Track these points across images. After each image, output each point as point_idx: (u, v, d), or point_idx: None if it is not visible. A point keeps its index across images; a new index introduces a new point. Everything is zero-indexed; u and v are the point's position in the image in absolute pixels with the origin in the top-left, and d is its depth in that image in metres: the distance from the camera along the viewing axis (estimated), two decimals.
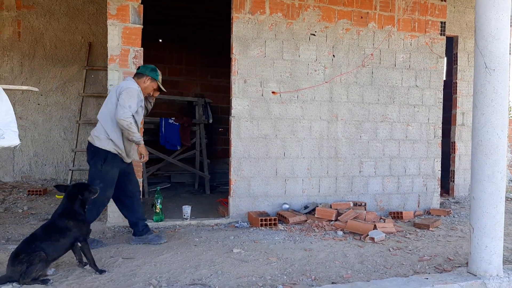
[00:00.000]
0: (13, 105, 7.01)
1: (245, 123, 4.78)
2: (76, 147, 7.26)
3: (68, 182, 7.10)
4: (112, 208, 4.38)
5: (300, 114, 4.99)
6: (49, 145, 7.43)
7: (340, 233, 4.23)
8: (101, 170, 3.58)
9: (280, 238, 4.03)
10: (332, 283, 2.90)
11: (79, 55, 7.45)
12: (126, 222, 4.38)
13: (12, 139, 2.99)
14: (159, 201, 4.54)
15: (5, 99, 3.04)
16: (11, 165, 7.24)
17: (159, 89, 3.95)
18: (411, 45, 5.39)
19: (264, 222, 4.44)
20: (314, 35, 5.02)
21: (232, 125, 4.76)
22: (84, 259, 3.07)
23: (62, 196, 5.78)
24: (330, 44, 5.09)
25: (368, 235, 4.02)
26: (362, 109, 5.24)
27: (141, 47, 4.50)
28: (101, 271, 3.00)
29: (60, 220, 2.94)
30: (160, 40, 8.29)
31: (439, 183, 5.58)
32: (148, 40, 8.21)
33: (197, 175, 6.99)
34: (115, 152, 3.64)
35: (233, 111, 4.75)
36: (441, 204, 5.80)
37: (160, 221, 4.54)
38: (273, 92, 4.87)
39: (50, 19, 7.34)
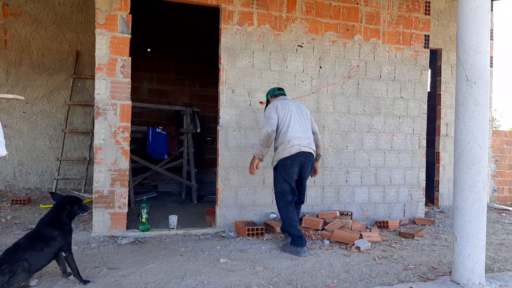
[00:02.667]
0: None
1: (232, 132, 4.80)
2: (61, 156, 7.20)
3: (53, 191, 7.03)
4: (97, 217, 4.35)
5: None
6: (34, 153, 7.34)
7: (326, 242, 4.26)
8: None
9: (266, 248, 4.04)
10: None
11: (66, 64, 7.42)
12: (111, 232, 4.37)
13: None
14: (145, 210, 4.51)
15: None
16: None
17: None
18: (396, 57, 5.50)
19: (251, 232, 4.45)
20: (301, 46, 5.09)
21: (219, 134, 4.78)
22: (68, 270, 3.04)
23: (46, 206, 5.78)
24: (317, 56, 5.16)
25: (354, 244, 4.05)
26: (348, 119, 5.31)
27: (129, 56, 4.49)
28: (86, 282, 2.97)
29: (45, 229, 2.90)
30: (149, 50, 8.29)
31: (424, 192, 5.67)
32: (136, 49, 8.27)
33: (184, 185, 6.96)
34: None
35: (220, 121, 4.77)
36: (426, 213, 5.88)
37: (146, 230, 4.51)
38: (261, 102, 4.91)
39: (38, 27, 7.31)
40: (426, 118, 5.65)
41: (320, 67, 5.18)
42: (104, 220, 4.38)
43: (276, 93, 4.33)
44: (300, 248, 3.84)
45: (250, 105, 4.87)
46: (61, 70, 7.46)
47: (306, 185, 4.26)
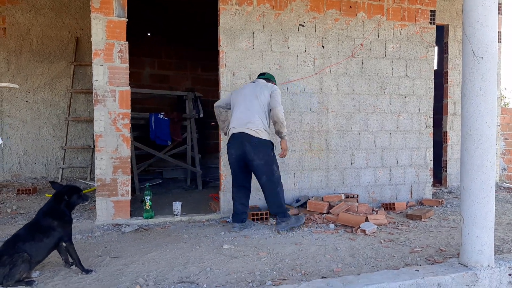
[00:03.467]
0: (1, 103, 7.02)
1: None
2: (65, 144, 7.18)
3: (59, 180, 7.04)
4: (100, 206, 4.33)
5: (290, 107, 4.93)
6: (38, 143, 7.32)
7: (331, 226, 4.20)
8: (273, 157, 4.05)
9: (271, 233, 3.99)
10: (322, 277, 2.86)
11: (67, 51, 7.34)
12: (115, 220, 4.35)
13: None
14: (148, 197, 4.47)
15: None
16: (0, 164, 7.14)
17: None
18: (401, 34, 5.34)
19: (255, 217, 4.40)
20: (303, 25, 4.95)
21: None
22: (71, 259, 3.02)
23: (51, 195, 5.78)
24: (319, 35, 5.02)
25: (359, 227, 3.99)
26: (353, 100, 5.19)
27: (126, 40, 4.40)
28: (88, 271, 2.95)
29: (44, 220, 2.87)
30: (149, 34, 8.17)
31: (431, 173, 5.56)
32: (136, 34, 8.14)
33: (189, 171, 6.92)
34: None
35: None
36: (434, 194, 5.79)
37: (150, 218, 4.49)
38: None
39: (36, 14, 7.21)
40: (432, 97, 5.50)
41: (323, 46, 5.04)
42: (108, 208, 4.36)
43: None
44: (232, 224, 4.17)
45: None
46: (62, 58, 7.38)
47: (266, 169, 4.00)
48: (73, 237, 3.81)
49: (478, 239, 2.92)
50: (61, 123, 7.36)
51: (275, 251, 3.44)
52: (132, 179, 6.24)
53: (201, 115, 6.78)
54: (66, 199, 2.96)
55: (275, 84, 4.37)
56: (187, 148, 6.79)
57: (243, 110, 4.06)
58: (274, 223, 4.28)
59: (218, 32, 4.70)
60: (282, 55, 4.88)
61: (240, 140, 3.99)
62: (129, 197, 4.44)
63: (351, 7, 5.12)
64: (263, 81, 4.26)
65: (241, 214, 4.15)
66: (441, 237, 3.86)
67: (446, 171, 6.46)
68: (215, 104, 4.38)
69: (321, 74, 5.04)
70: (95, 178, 4.36)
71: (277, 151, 4.21)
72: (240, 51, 4.72)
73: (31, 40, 7.21)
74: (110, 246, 3.60)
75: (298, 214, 4.54)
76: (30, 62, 7.22)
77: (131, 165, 6.22)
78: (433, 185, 6.05)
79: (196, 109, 6.73)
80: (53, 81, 7.36)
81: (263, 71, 4.76)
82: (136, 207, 4.89)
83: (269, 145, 4.04)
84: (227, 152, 4.18)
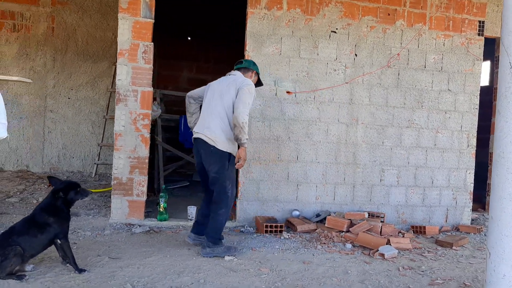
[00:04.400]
0: (45, 98, 7.33)
1: (256, 123, 4.55)
2: (102, 141, 7.35)
3: (93, 175, 7.22)
4: (115, 204, 4.32)
5: (316, 116, 4.69)
6: (77, 138, 7.57)
7: (348, 246, 3.90)
8: (228, 171, 3.46)
9: (280, 247, 3.77)
10: None
11: (110, 52, 7.54)
12: (128, 220, 4.32)
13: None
14: (163, 199, 4.41)
15: None
16: (41, 156, 7.44)
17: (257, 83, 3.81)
18: (444, 45, 4.93)
19: (269, 229, 4.19)
20: (335, 32, 4.71)
21: None
22: None
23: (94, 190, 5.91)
24: (352, 43, 4.75)
25: (378, 250, 3.67)
26: (386, 113, 4.85)
27: (152, 41, 4.39)
28: (81, 270, 2.89)
29: (40, 215, 2.86)
30: (189, 38, 8.24)
31: (471, 197, 5.07)
32: (176, 38, 8.27)
33: None
34: (232, 152, 3.50)
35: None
36: (474, 220, 5.27)
37: (164, 220, 4.42)
38: (287, 92, 4.61)
39: (83, 15, 7.48)
40: (477, 114, 5.03)
41: (356, 55, 4.76)
42: (122, 207, 4.34)
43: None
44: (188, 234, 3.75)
45: (276, 94, 4.59)
46: (104, 58, 7.60)
47: (219, 184, 3.45)
48: (83, 233, 3.87)
49: (505, 278, 2.54)
50: (100, 121, 7.56)
51: (279, 268, 3.22)
52: (158, 180, 6.27)
53: None
54: (62, 196, 2.92)
55: (256, 74, 3.79)
56: None
57: (205, 111, 3.57)
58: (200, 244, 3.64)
59: (245, 36, 4.57)
60: (310, 62, 4.66)
61: (197, 146, 3.55)
62: (144, 198, 4.40)
63: (389, 15, 4.80)
64: (239, 73, 3.68)
65: (200, 225, 3.65)
66: (470, 269, 3.45)
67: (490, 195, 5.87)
68: (187, 94, 3.87)
69: (352, 84, 4.76)
70: (112, 177, 4.37)
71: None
72: (266, 56, 4.57)
73: (76, 40, 7.49)
74: (114, 246, 3.55)
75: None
76: (75, 61, 7.49)
77: (158, 166, 6.29)
78: (475, 210, 5.54)
79: None
80: (95, 80, 7.59)
81: (291, 78, 4.58)
82: (155, 208, 4.84)
83: (226, 157, 3.44)
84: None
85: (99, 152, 7.35)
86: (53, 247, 2.92)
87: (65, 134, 7.52)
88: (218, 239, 3.48)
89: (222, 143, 3.42)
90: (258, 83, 3.85)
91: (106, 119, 7.41)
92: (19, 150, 7.33)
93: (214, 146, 3.41)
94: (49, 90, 7.41)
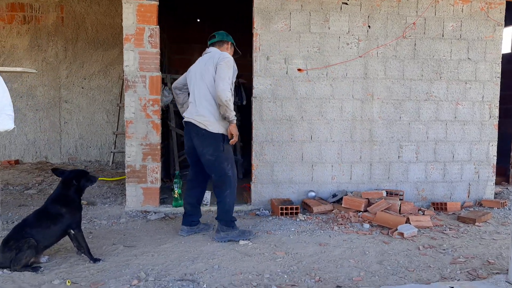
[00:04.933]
0: (59, 89, 7.35)
1: (267, 103, 4.44)
2: (117, 130, 7.37)
3: (110, 163, 7.27)
4: (130, 192, 4.31)
5: (329, 93, 4.54)
6: (93, 127, 7.62)
7: (366, 226, 3.80)
8: (224, 152, 3.38)
9: (296, 230, 3.70)
10: (337, 286, 2.54)
11: (120, 38, 7.46)
12: (144, 207, 4.31)
13: (6, 123, 2.93)
14: (177, 185, 4.38)
15: (0, 82, 2.96)
16: (58, 147, 7.53)
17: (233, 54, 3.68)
18: (462, 11, 4.67)
19: (284, 211, 4.12)
20: (346, 3, 4.50)
21: (253, 106, 4.44)
22: None
23: (99, 178, 5.96)
24: (365, 14, 4.54)
25: (397, 229, 3.56)
26: (403, 86, 4.65)
27: (157, 24, 4.28)
28: (96, 260, 2.89)
29: (52, 206, 2.85)
30: (198, 20, 8.08)
31: (495, 170, 4.87)
32: (185, 20, 8.12)
33: None
34: (226, 132, 3.40)
35: (254, 91, 4.43)
36: (498, 194, 5.08)
37: (179, 206, 4.38)
38: (299, 70, 4.46)
39: (91, 3, 7.42)
40: (499, 83, 4.77)
41: (369, 26, 4.56)
42: (137, 195, 4.34)
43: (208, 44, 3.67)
44: (181, 227, 3.60)
45: (286, 73, 4.45)
46: (115, 45, 7.55)
47: (217, 166, 3.36)
48: (99, 222, 3.89)
49: None
50: (114, 109, 7.57)
51: (294, 251, 3.16)
52: (159, 166, 6.25)
53: (244, 102, 6.55)
54: (75, 184, 2.90)
55: (232, 44, 3.65)
56: None
57: (191, 96, 3.48)
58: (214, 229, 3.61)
59: (252, 13, 4.42)
60: (322, 37, 4.49)
61: (188, 130, 3.47)
62: (159, 185, 4.38)
63: None
64: (214, 49, 3.52)
65: (190, 216, 3.57)
66: (494, 246, 3.31)
67: None
68: (172, 85, 3.79)
69: (366, 57, 4.57)
70: (125, 164, 4.35)
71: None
72: (275, 33, 4.41)
73: (86, 28, 7.46)
74: (129, 234, 3.54)
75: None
76: (86, 50, 7.48)
77: (173, 152, 6.26)
78: (498, 183, 5.34)
79: (239, 96, 6.53)
80: (107, 68, 7.58)
81: (302, 55, 4.42)
82: (171, 194, 4.82)
83: (219, 138, 3.34)
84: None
85: (115, 141, 7.38)
86: (67, 238, 2.92)
87: (81, 124, 7.57)
88: (231, 221, 3.43)
89: (213, 125, 3.33)
90: (236, 53, 3.73)
91: (120, 107, 7.40)
92: (37, 142, 7.43)
93: (205, 129, 3.33)
94: (63, 81, 7.44)
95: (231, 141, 3.40)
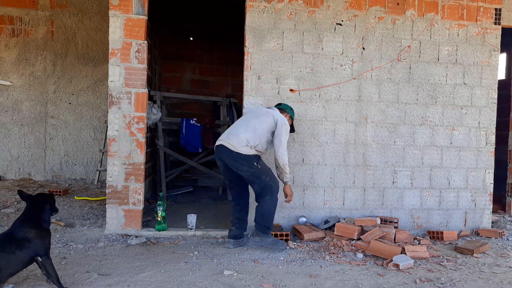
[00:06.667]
0: (45, 104, 7.15)
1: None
2: (104, 147, 7.14)
3: (95, 182, 7.02)
4: (110, 214, 4.08)
5: (322, 115, 4.40)
6: (79, 144, 7.39)
7: (360, 255, 3.59)
8: (260, 168, 3.67)
9: (285, 258, 3.48)
10: None
11: None
12: (125, 230, 4.07)
13: None
14: (161, 208, 4.15)
15: None
16: (43, 164, 7.28)
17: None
18: (458, 35, 4.60)
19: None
20: (340, 24, 4.41)
21: None
22: None
23: (81, 198, 5.70)
24: (359, 35, 4.44)
25: (392, 260, 3.35)
26: (397, 110, 4.53)
27: (145, 40, 4.14)
28: None
29: (19, 229, 2.61)
30: (191, 38, 8.00)
31: (491, 198, 4.71)
32: (178, 38, 8.02)
33: (222, 180, 6.57)
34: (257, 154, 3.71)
35: (244, 111, 4.27)
36: (494, 222, 4.92)
37: (162, 230, 4.16)
38: (291, 90, 4.33)
39: (82, 18, 7.31)
40: (495, 109, 4.67)
41: (363, 48, 4.46)
42: (118, 217, 4.10)
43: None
44: (227, 240, 3.85)
45: (278, 93, 4.31)
46: (105, 61, 7.34)
47: (255, 179, 3.64)
48: (75, 246, 3.64)
49: None
50: (102, 126, 7.38)
51: (283, 283, 2.94)
52: (143, 188, 6.03)
53: None
54: (48, 208, 2.69)
55: (290, 117, 3.96)
56: None
57: (239, 123, 3.82)
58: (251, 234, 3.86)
59: (244, 31, 4.30)
60: (315, 57, 4.37)
61: (218, 153, 3.71)
62: (141, 207, 4.15)
63: (398, 4, 4.49)
64: (278, 111, 3.84)
65: (236, 230, 3.81)
66: (494, 280, 3.12)
67: (510, 195, 5.51)
68: None
69: (360, 79, 4.45)
70: (106, 185, 4.12)
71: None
72: (267, 52, 4.29)
73: (76, 43, 7.32)
74: (106, 261, 3.30)
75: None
76: (75, 65, 7.32)
77: (160, 172, 6.05)
78: (495, 211, 5.20)
79: (230, 115, 6.38)
80: (96, 84, 7.41)
81: (294, 75, 4.30)
82: (152, 218, 4.60)
83: (251, 158, 3.62)
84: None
85: (101, 158, 7.15)
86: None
87: (67, 140, 7.34)
88: (267, 228, 3.67)
89: (245, 150, 3.59)
90: (291, 130, 3.95)
91: (107, 124, 7.21)
92: (21, 158, 7.18)
93: (236, 152, 3.57)
94: (50, 96, 7.25)
95: (286, 199, 3.84)
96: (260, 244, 3.68)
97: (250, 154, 3.60)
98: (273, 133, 3.69)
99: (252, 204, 3.89)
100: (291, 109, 4.01)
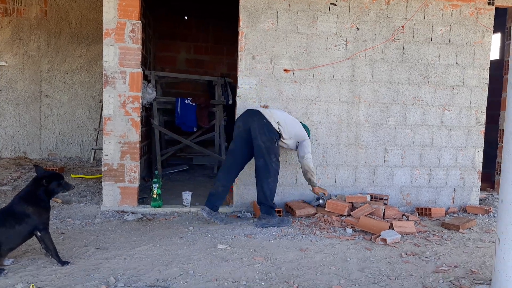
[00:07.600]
0: (40, 83, 7.14)
1: (252, 104, 4.32)
2: (99, 126, 7.18)
3: (91, 160, 7.08)
4: (106, 191, 4.16)
5: (315, 95, 4.45)
6: (74, 123, 7.41)
7: (349, 231, 3.71)
8: (276, 148, 3.84)
9: (277, 233, 3.59)
10: None
11: None
12: (121, 207, 4.17)
13: None
14: (156, 186, 4.24)
15: None
16: (38, 142, 7.31)
17: None
18: (451, 16, 4.62)
19: None
20: (334, 4, 4.41)
21: (237, 106, 4.33)
22: None
23: (77, 176, 5.78)
24: (353, 15, 4.46)
25: (379, 235, 3.47)
26: (390, 90, 4.59)
27: (139, 20, 4.14)
28: (64, 263, 2.74)
29: (18, 205, 2.69)
30: (186, 17, 7.94)
31: (480, 176, 4.83)
32: (173, 17, 7.96)
33: (217, 158, 6.65)
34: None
35: (239, 91, 4.31)
36: (483, 200, 5.04)
37: (158, 207, 4.26)
38: (285, 70, 4.37)
39: None
40: (487, 89, 4.74)
41: (357, 28, 4.48)
42: (114, 194, 4.19)
43: None
44: (202, 207, 3.89)
45: (272, 73, 4.35)
46: (99, 40, 7.32)
47: (266, 153, 3.76)
48: (72, 222, 3.73)
49: None
50: (97, 105, 7.38)
51: (274, 256, 3.05)
52: (138, 165, 6.10)
53: (230, 102, 6.44)
54: (45, 185, 2.76)
55: (308, 135, 4.13)
56: (215, 135, 6.51)
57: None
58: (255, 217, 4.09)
59: (239, 11, 4.31)
60: (309, 38, 4.40)
61: (251, 114, 3.84)
62: (137, 184, 4.23)
63: None
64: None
65: (214, 197, 3.87)
66: (477, 254, 3.25)
67: (500, 174, 5.62)
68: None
69: (354, 60, 4.49)
70: (102, 163, 4.20)
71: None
72: (261, 32, 4.31)
73: (70, 23, 7.26)
74: (103, 236, 3.40)
75: (288, 216, 4.22)
76: (69, 44, 7.27)
77: (155, 151, 6.12)
78: (484, 189, 5.30)
79: (225, 95, 6.41)
80: (90, 63, 7.38)
81: (288, 55, 4.33)
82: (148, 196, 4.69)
83: (276, 134, 3.80)
84: (235, 125, 3.97)
85: (97, 137, 7.19)
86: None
87: (62, 119, 7.36)
88: (271, 208, 3.82)
89: (275, 125, 3.80)
90: None
91: (102, 103, 7.22)
92: (16, 136, 7.21)
93: (267, 120, 3.76)
94: (44, 75, 7.23)
95: (325, 194, 4.24)
96: (267, 225, 3.77)
97: (276, 129, 3.79)
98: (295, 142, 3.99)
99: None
100: (308, 128, 4.22)
